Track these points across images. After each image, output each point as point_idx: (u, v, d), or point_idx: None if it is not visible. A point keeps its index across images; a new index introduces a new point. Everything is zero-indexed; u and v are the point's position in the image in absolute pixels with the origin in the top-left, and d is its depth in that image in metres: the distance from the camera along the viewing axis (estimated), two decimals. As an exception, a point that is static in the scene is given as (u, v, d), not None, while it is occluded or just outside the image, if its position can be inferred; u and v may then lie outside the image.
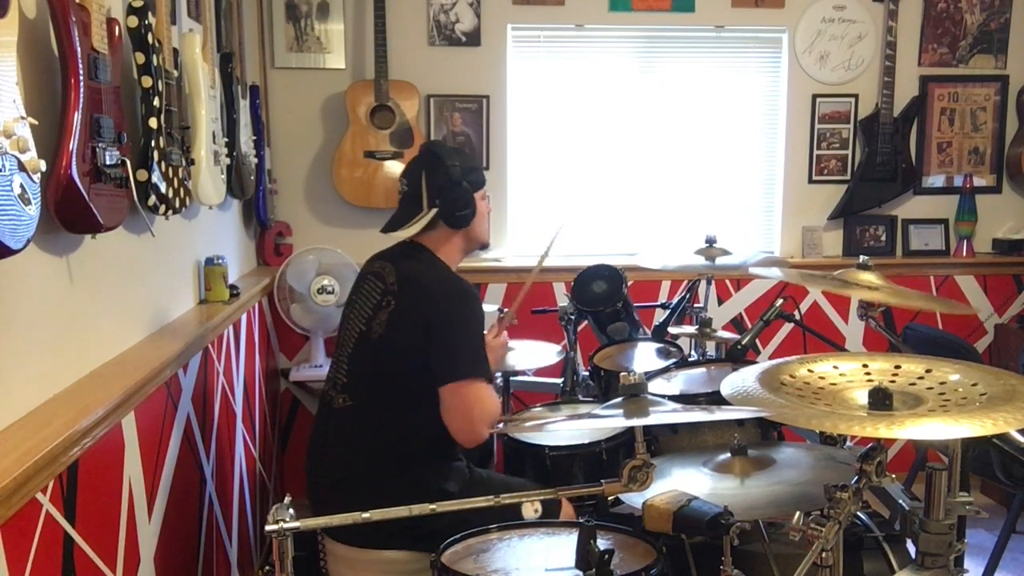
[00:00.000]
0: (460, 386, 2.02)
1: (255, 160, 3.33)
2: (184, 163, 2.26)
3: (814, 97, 4.12)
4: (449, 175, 2.18)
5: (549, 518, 1.94)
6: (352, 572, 2.09)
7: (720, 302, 4.09)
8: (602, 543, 1.48)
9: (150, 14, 1.97)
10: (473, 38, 3.90)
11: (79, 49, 1.58)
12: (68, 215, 1.60)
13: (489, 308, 3.37)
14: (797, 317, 3.36)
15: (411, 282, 2.14)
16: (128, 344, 2.08)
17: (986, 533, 3.39)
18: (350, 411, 2.14)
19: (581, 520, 1.51)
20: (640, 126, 4.09)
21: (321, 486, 2.17)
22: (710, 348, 2.97)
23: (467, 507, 1.55)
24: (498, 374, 3.03)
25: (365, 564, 2.05)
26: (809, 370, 1.56)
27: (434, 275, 2.17)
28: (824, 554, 1.35)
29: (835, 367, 1.56)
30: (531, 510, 1.85)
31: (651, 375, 2.57)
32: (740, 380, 1.55)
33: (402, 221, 2.22)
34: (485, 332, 2.22)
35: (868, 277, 2.15)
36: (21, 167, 1.34)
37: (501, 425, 2.61)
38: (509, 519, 1.84)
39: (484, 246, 2.36)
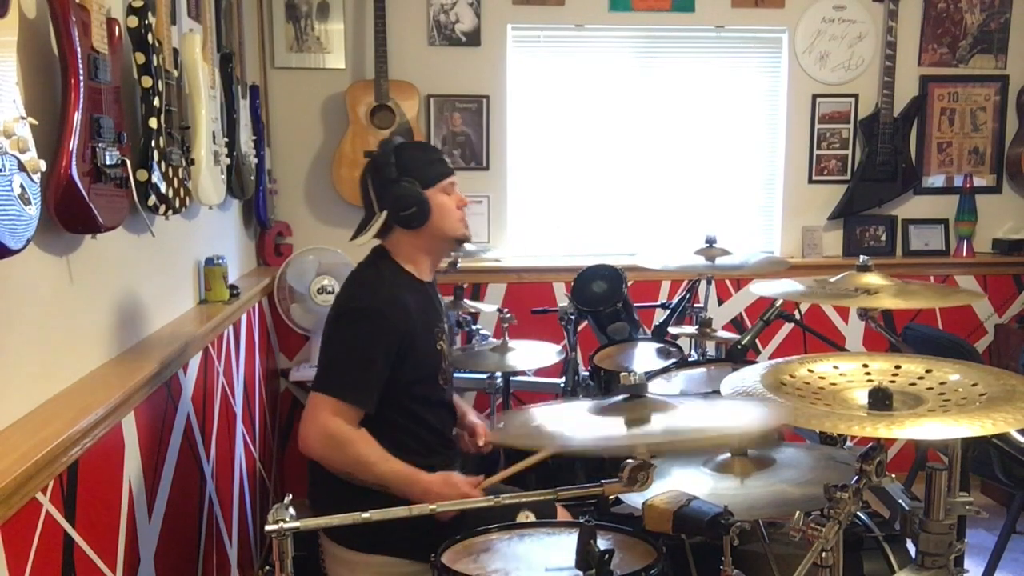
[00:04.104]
0: (313, 397, 2.01)
1: (255, 160, 3.33)
2: (184, 163, 2.26)
3: (814, 97, 4.12)
4: (386, 176, 2.12)
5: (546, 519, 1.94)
6: (351, 574, 2.09)
7: (720, 302, 4.09)
8: (602, 543, 1.48)
9: (150, 14, 1.97)
10: (473, 38, 3.90)
11: (79, 49, 1.58)
12: (68, 215, 1.60)
13: (488, 308, 3.38)
14: (797, 317, 3.37)
15: (341, 292, 2.19)
16: (128, 344, 2.08)
17: (986, 533, 3.39)
18: None
19: (581, 520, 1.51)
20: (640, 126, 4.09)
21: (321, 483, 2.17)
22: (710, 348, 2.97)
23: (467, 507, 1.55)
24: (498, 374, 3.03)
25: (364, 567, 2.05)
26: (809, 370, 1.56)
27: (351, 285, 2.16)
28: (824, 554, 1.35)
29: (835, 367, 1.56)
30: (523, 517, 1.84)
31: (651, 375, 2.56)
32: (740, 380, 1.55)
33: (361, 228, 2.19)
34: (463, 479, 2.04)
35: (869, 278, 2.15)
36: (21, 167, 1.34)
37: (501, 424, 2.60)
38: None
39: (460, 239, 2.23)
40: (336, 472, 2.00)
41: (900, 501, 1.92)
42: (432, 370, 2.18)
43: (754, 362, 2.45)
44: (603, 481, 1.54)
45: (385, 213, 2.13)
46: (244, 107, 3.16)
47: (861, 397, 1.44)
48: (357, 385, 2.01)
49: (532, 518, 1.84)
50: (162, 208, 2.04)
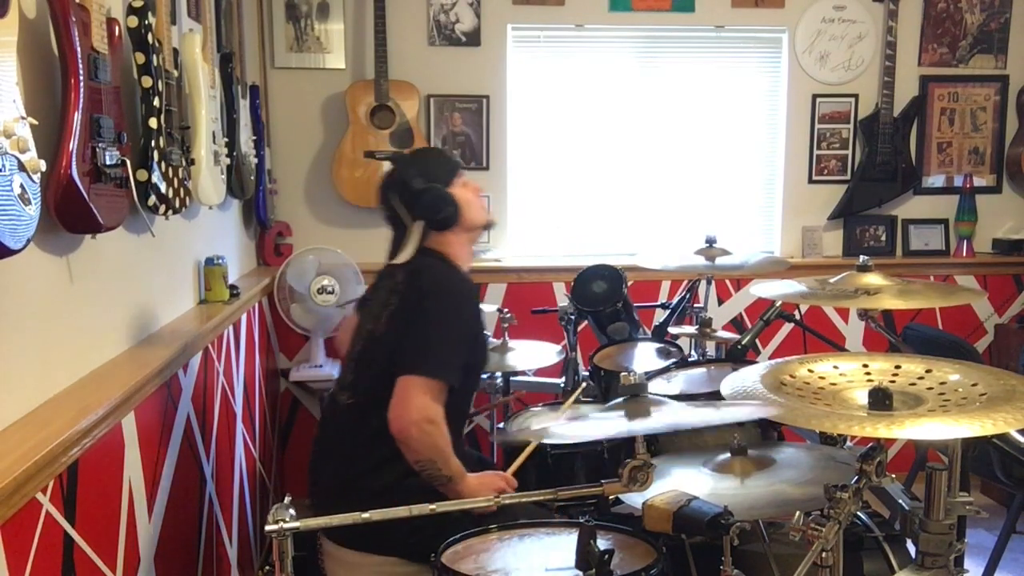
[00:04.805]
0: (412, 380, 1.99)
1: (255, 160, 3.33)
2: (184, 163, 2.26)
3: (814, 97, 4.12)
4: (412, 187, 2.16)
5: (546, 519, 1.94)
6: (349, 574, 2.09)
7: (720, 302, 4.09)
8: (602, 543, 1.48)
9: (150, 14, 1.97)
10: (473, 38, 3.90)
11: (79, 49, 1.58)
12: (68, 215, 1.60)
13: (488, 308, 3.38)
14: (797, 317, 3.36)
15: (413, 280, 2.14)
16: (128, 344, 2.08)
17: (986, 533, 3.39)
18: (351, 409, 2.15)
19: (581, 520, 1.51)
20: (640, 126, 4.09)
21: (321, 483, 2.17)
22: (710, 348, 2.97)
23: (467, 507, 1.55)
24: (498, 374, 3.03)
25: (362, 568, 2.05)
26: (809, 370, 1.56)
27: (433, 275, 2.16)
28: (824, 554, 1.35)
29: (835, 367, 1.56)
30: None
31: (651, 375, 2.57)
32: (740, 380, 1.55)
33: (400, 246, 2.21)
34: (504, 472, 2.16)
35: (869, 278, 2.15)
36: (21, 167, 1.34)
37: (502, 425, 2.61)
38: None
39: (487, 226, 2.34)
40: (416, 459, 1.98)
41: (900, 501, 1.92)
42: (484, 358, 2.29)
43: (754, 362, 2.45)
44: (603, 481, 1.54)
45: (422, 223, 2.17)
46: (244, 107, 3.16)
47: (861, 397, 1.44)
48: (454, 366, 2.05)
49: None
50: (162, 208, 2.04)
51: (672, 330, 3.03)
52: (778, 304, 2.59)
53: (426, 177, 2.18)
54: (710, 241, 3.03)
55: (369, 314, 2.21)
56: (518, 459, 2.22)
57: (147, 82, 1.98)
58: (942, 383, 1.46)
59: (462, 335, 2.09)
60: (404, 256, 2.18)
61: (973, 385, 1.44)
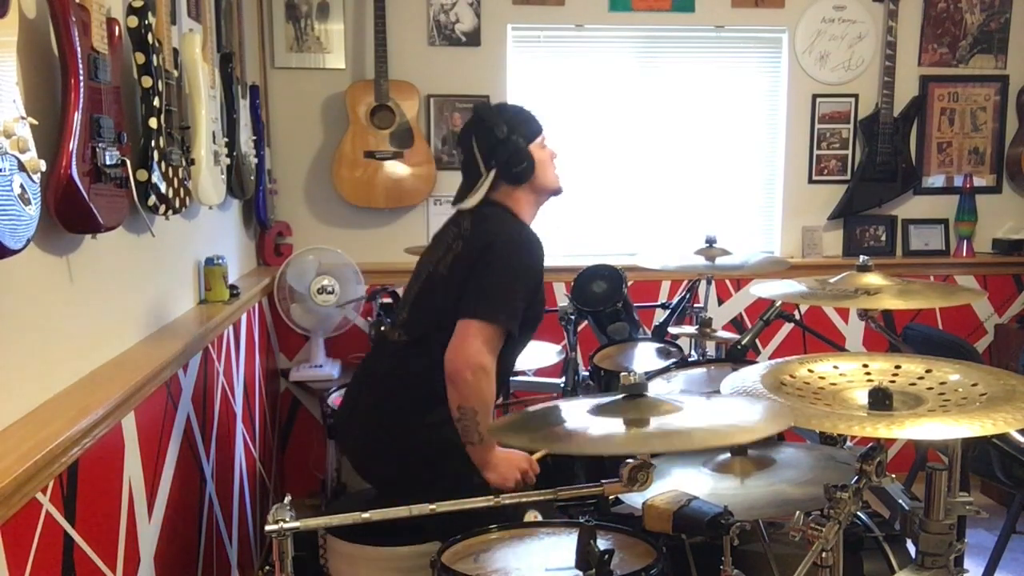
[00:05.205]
0: (472, 324, 2.01)
1: (255, 160, 3.33)
2: (184, 163, 2.26)
3: (814, 97, 4.12)
4: (496, 135, 2.18)
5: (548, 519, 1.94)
6: (351, 568, 2.09)
7: (720, 302, 4.09)
8: (602, 543, 1.48)
9: (150, 14, 1.97)
10: (473, 38, 3.90)
11: (79, 49, 1.58)
12: (68, 215, 1.60)
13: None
14: (797, 317, 3.36)
15: (480, 227, 2.18)
16: (128, 344, 2.08)
17: (986, 533, 3.39)
18: (404, 347, 2.18)
19: (581, 520, 1.51)
20: (640, 126, 4.09)
21: (358, 415, 2.20)
22: (710, 348, 2.97)
23: (467, 507, 1.55)
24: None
25: (364, 560, 2.06)
26: (809, 370, 1.56)
27: (500, 223, 2.19)
28: (824, 554, 1.35)
29: (835, 367, 1.56)
30: (530, 517, 1.85)
31: (651, 375, 2.56)
32: (740, 380, 1.55)
33: (467, 190, 2.25)
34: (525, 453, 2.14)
35: (869, 278, 2.15)
36: (21, 167, 1.34)
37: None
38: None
39: (557, 191, 2.34)
40: (459, 404, 2.00)
41: (900, 501, 1.92)
42: (541, 314, 2.24)
43: (754, 362, 2.45)
44: (603, 481, 1.54)
45: (494, 170, 2.19)
46: (244, 107, 3.16)
47: (861, 397, 1.44)
48: (515, 313, 2.06)
49: (539, 518, 1.85)
50: (162, 208, 2.04)
51: (672, 330, 3.03)
52: (778, 304, 2.59)
53: (510, 129, 2.20)
54: (710, 241, 3.03)
55: (431, 257, 2.23)
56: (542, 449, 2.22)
57: (147, 82, 1.98)
58: (942, 383, 1.47)
59: (525, 284, 2.11)
60: (471, 202, 2.22)
61: (973, 385, 1.44)
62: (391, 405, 2.13)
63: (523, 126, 2.24)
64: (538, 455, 2.19)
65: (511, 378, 3.07)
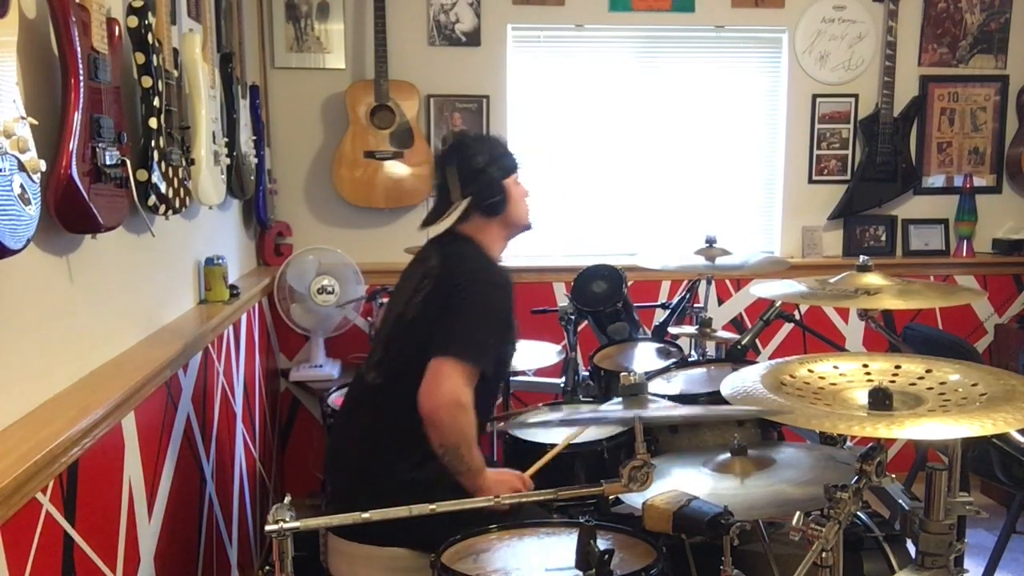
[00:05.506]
0: (444, 362, 1.98)
1: (255, 160, 3.33)
2: (184, 163, 2.26)
3: (814, 97, 4.12)
4: (474, 165, 2.18)
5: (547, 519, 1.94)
6: (351, 568, 2.09)
7: (720, 302, 4.09)
8: (602, 543, 1.48)
9: (150, 14, 1.97)
10: (473, 38, 3.90)
11: (79, 49, 1.58)
12: (68, 215, 1.60)
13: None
14: (797, 317, 3.36)
15: (451, 264, 2.16)
16: (128, 344, 2.08)
17: (986, 533, 3.39)
18: (378, 389, 2.15)
19: (581, 520, 1.51)
20: (640, 126, 4.09)
21: (342, 466, 2.18)
22: (710, 348, 2.97)
23: (467, 507, 1.55)
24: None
25: (364, 560, 2.05)
26: (809, 370, 1.56)
27: (471, 261, 2.17)
28: (824, 554, 1.35)
29: (835, 367, 1.56)
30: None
31: (651, 375, 2.57)
32: (740, 380, 1.55)
33: (437, 215, 2.23)
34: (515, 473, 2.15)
35: (869, 278, 2.15)
36: (21, 167, 1.34)
37: (501, 423, 2.61)
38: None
39: (527, 228, 2.34)
40: (441, 443, 1.97)
41: (900, 501, 1.92)
42: (513, 351, 2.25)
43: (754, 362, 2.45)
44: (603, 481, 1.54)
45: (467, 200, 2.18)
46: (244, 107, 3.16)
47: (861, 397, 1.44)
48: (488, 352, 2.04)
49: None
50: (162, 208, 2.04)
51: (672, 330, 3.03)
52: (778, 304, 2.59)
53: (489, 160, 2.20)
54: (710, 241, 3.03)
55: (400, 296, 2.21)
56: (539, 462, 2.21)
57: (147, 82, 1.98)
58: (942, 383, 1.47)
59: (497, 323, 2.10)
60: (440, 227, 2.21)
61: (973, 385, 1.44)
62: (374, 450, 2.10)
63: (501, 159, 2.23)
64: (532, 470, 2.18)
65: (512, 378, 3.07)
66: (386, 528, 1.97)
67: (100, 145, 1.67)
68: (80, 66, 1.58)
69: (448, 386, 1.96)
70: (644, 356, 2.82)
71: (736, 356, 2.59)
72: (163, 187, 2.03)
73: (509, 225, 2.26)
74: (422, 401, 1.97)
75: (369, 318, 3.71)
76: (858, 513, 1.87)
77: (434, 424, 1.96)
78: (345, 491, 2.18)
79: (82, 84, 1.59)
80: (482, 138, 2.31)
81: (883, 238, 4.23)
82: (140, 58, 1.96)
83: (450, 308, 2.06)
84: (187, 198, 2.26)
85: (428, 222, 2.25)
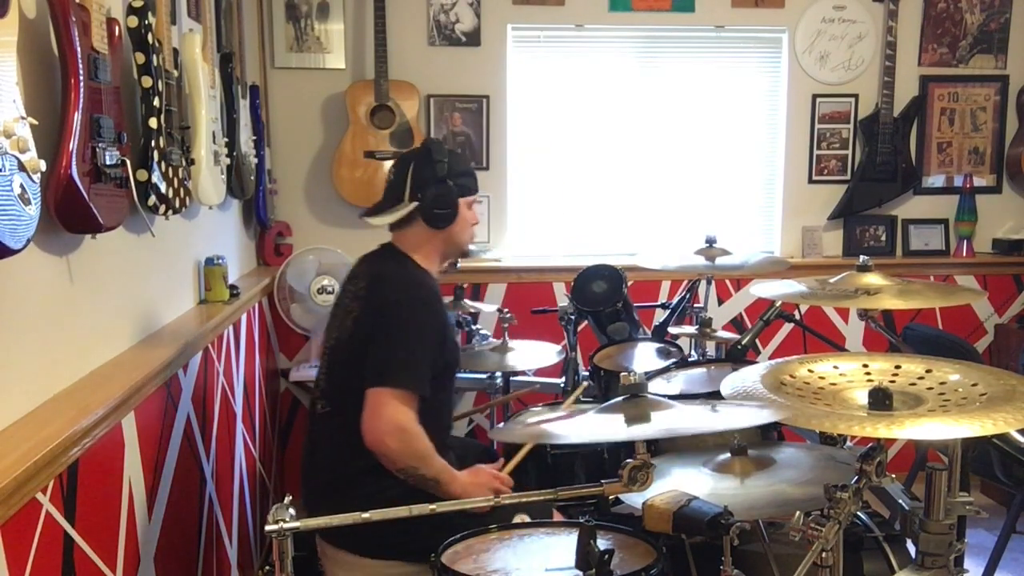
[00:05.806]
0: (380, 392, 1.98)
1: (255, 160, 3.33)
2: (184, 163, 2.26)
3: (814, 97, 4.12)
4: (435, 171, 2.17)
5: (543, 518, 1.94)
6: (348, 574, 2.09)
7: (720, 302, 4.09)
8: (602, 543, 1.48)
9: (150, 14, 1.97)
10: (473, 38, 3.90)
11: (79, 49, 1.58)
12: (68, 215, 1.60)
13: (488, 308, 3.38)
14: (797, 317, 3.36)
15: (375, 287, 2.15)
16: (128, 344, 2.08)
17: (986, 533, 3.38)
18: (328, 416, 2.15)
19: (581, 520, 1.51)
20: (640, 126, 4.09)
21: (312, 490, 2.17)
22: (710, 348, 2.97)
23: (467, 507, 1.55)
24: (498, 374, 3.03)
25: (360, 569, 2.05)
26: (809, 370, 1.56)
27: (397, 279, 2.15)
28: (824, 554, 1.35)
29: (835, 367, 1.56)
30: (519, 519, 1.85)
31: (651, 375, 2.56)
32: (740, 380, 1.55)
33: (381, 209, 2.22)
34: (491, 467, 2.15)
35: (869, 278, 2.15)
36: (21, 167, 1.34)
37: (501, 425, 2.60)
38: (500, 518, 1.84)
39: (463, 254, 2.35)
40: (397, 467, 1.97)
41: (900, 501, 1.92)
42: (456, 359, 2.25)
43: (754, 362, 2.45)
44: (603, 481, 1.54)
45: (415, 205, 2.17)
46: (244, 107, 3.16)
47: (861, 397, 1.44)
48: (421, 375, 2.03)
49: (527, 519, 1.85)
50: (162, 208, 2.04)
51: (672, 330, 3.03)
52: (778, 304, 2.58)
53: (451, 173, 2.20)
54: (710, 241, 3.03)
55: (335, 323, 2.20)
56: (514, 458, 2.22)
57: (147, 82, 1.98)
58: (942, 383, 1.46)
59: (427, 343, 2.07)
60: (380, 221, 2.20)
61: (973, 385, 1.43)
62: (343, 475, 2.09)
63: (463, 178, 2.24)
64: (509, 466, 2.17)
65: (512, 378, 3.07)
66: (375, 540, 1.97)
67: (100, 145, 1.67)
68: (80, 66, 1.58)
69: (387, 414, 1.96)
70: (644, 356, 2.82)
71: (736, 356, 2.59)
72: (163, 187, 2.03)
73: (448, 243, 2.25)
74: (366, 435, 1.98)
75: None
76: (858, 513, 1.87)
77: (384, 454, 1.98)
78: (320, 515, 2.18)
79: (82, 84, 1.59)
80: (452, 153, 2.27)
81: (883, 238, 4.23)
82: (140, 58, 1.96)
83: (377, 335, 2.04)
84: (187, 198, 2.26)
85: (370, 213, 2.24)
